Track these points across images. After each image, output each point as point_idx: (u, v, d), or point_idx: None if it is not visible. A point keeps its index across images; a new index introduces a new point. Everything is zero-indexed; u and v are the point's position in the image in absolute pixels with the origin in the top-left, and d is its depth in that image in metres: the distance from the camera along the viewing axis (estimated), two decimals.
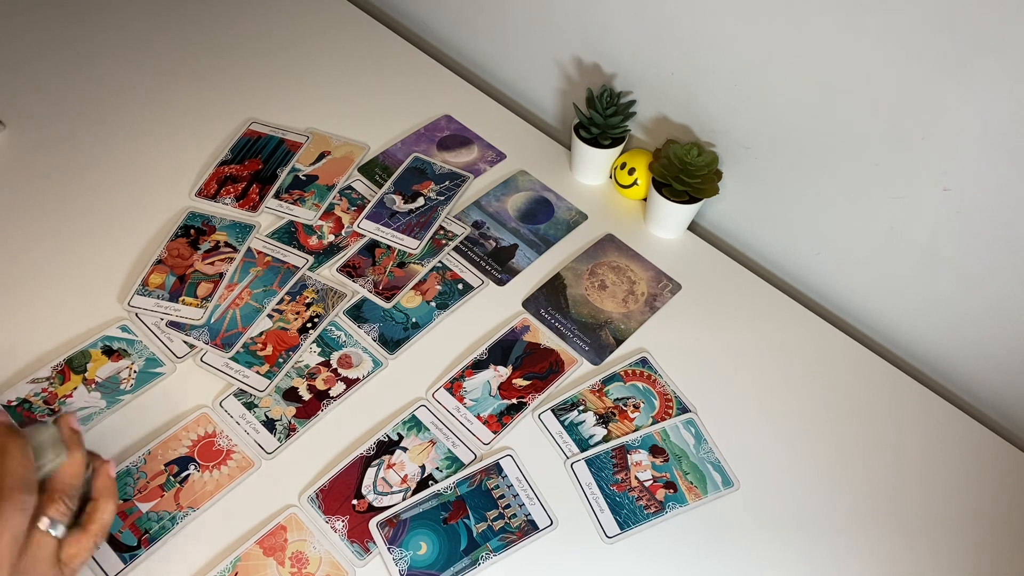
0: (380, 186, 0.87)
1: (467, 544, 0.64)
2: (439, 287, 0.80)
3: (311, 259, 0.80)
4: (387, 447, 0.69)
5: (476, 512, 0.66)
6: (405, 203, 0.85)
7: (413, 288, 0.79)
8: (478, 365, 0.74)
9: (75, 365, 0.71)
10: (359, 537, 0.64)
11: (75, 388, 0.69)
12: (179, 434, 0.68)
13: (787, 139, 0.75)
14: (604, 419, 0.72)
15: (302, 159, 0.89)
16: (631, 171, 0.86)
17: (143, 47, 1.00)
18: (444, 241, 0.83)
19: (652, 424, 0.72)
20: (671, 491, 0.68)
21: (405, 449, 0.69)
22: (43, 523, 0.52)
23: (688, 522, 0.66)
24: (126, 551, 0.62)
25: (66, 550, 0.54)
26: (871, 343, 0.83)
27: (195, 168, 0.88)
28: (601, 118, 0.83)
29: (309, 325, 0.75)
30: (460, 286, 0.80)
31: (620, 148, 0.87)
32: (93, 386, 0.70)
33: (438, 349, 0.76)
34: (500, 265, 0.82)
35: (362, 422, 0.70)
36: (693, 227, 0.88)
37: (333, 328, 0.76)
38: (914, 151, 0.66)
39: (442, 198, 0.86)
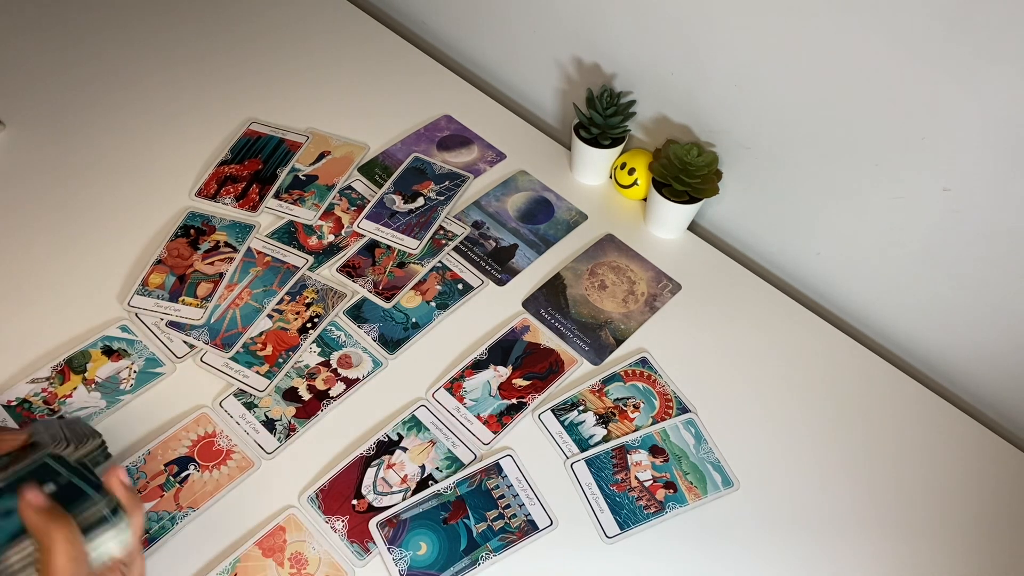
0: (380, 186, 0.87)
1: (467, 544, 0.64)
2: (439, 287, 0.80)
3: (311, 259, 0.80)
4: (387, 447, 0.69)
5: (476, 512, 0.66)
6: (405, 203, 0.85)
7: (413, 288, 0.79)
8: (478, 365, 0.74)
9: (75, 365, 0.71)
10: (359, 537, 0.64)
11: (75, 388, 0.69)
12: (179, 434, 0.68)
13: (787, 139, 0.75)
14: (604, 419, 0.72)
15: (302, 159, 0.89)
16: (631, 171, 0.86)
17: (143, 47, 1.00)
18: (444, 241, 0.83)
19: (652, 424, 0.71)
20: (671, 491, 0.68)
21: (405, 449, 0.69)
22: None
23: (688, 522, 0.66)
24: None
25: None
26: (871, 343, 0.82)
27: (195, 168, 0.88)
28: (601, 118, 0.83)
29: (309, 325, 0.75)
30: (460, 286, 0.80)
31: (620, 148, 0.87)
32: (93, 386, 0.70)
33: (438, 349, 0.75)
34: (500, 265, 0.82)
35: (362, 422, 0.70)
36: (693, 227, 0.88)
37: (333, 328, 0.76)
38: (914, 151, 0.66)
39: (442, 198, 0.86)
